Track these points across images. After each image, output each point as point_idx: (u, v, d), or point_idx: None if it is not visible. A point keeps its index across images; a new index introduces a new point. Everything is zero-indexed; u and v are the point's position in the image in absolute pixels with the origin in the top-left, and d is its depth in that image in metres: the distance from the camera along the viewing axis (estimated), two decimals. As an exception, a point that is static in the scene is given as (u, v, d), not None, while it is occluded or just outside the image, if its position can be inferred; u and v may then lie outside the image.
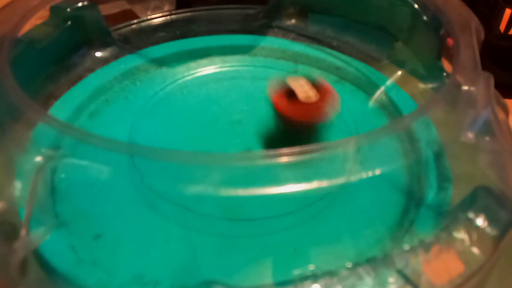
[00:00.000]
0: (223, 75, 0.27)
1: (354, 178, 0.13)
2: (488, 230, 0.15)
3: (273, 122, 0.22)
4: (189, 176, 0.14)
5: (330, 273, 0.14)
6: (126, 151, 0.15)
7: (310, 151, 0.13)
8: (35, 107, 0.15)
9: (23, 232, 0.14)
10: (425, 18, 0.24)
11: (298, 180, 0.13)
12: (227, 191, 0.13)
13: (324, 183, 0.13)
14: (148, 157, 0.14)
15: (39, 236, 0.15)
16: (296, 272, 0.15)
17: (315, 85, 0.20)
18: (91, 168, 0.17)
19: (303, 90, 0.20)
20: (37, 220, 0.15)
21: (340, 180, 0.13)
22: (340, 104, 0.25)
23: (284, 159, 0.13)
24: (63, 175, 0.19)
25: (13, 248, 0.14)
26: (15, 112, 0.16)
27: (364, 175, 0.13)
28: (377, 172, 0.13)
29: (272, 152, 0.13)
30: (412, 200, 0.19)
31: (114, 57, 0.27)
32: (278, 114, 0.20)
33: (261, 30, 0.29)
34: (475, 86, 0.17)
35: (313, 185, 0.13)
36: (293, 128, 0.21)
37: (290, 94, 0.20)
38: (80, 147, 0.15)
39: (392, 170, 0.18)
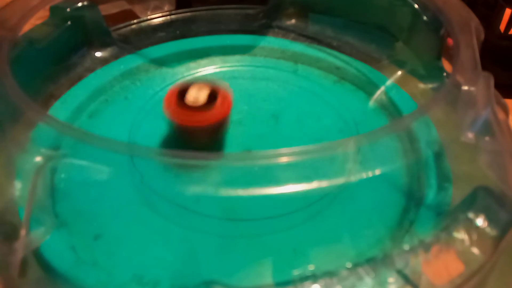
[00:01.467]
0: (223, 75, 0.27)
1: (354, 178, 0.13)
2: (488, 230, 0.15)
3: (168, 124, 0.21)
4: (189, 176, 0.14)
5: (330, 273, 0.14)
6: (126, 151, 0.15)
7: (310, 152, 0.13)
8: (35, 107, 0.15)
9: (23, 232, 0.14)
10: (425, 18, 0.24)
11: (298, 180, 0.13)
12: (226, 191, 0.13)
13: (324, 183, 0.13)
14: (148, 157, 0.14)
15: (39, 236, 0.15)
16: (296, 272, 0.15)
17: (214, 90, 0.20)
18: (91, 168, 0.17)
19: (193, 94, 0.19)
20: (37, 220, 0.15)
21: (340, 180, 0.13)
22: (340, 104, 0.25)
23: (284, 159, 0.13)
24: (63, 175, 0.19)
25: (13, 248, 0.14)
26: (15, 112, 0.16)
27: (364, 175, 0.13)
28: (377, 172, 0.13)
29: (272, 152, 0.13)
30: (412, 200, 0.19)
31: (114, 57, 0.27)
32: (167, 116, 0.19)
33: (261, 30, 0.29)
34: (475, 86, 0.17)
35: (313, 185, 0.13)
36: (180, 131, 0.20)
37: (182, 97, 0.19)
38: (80, 147, 0.15)
39: (392, 170, 0.18)
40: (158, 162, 0.14)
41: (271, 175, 0.13)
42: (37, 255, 0.16)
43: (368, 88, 0.26)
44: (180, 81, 0.20)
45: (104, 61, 0.27)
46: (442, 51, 0.23)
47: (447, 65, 0.23)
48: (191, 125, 0.19)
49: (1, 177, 0.16)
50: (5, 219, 0.15)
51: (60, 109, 0.23)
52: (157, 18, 0.30)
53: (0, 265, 0.14)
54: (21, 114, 0.16)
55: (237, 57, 0.28)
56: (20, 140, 0.16)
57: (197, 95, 0.19)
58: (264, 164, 0.13)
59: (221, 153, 0.14)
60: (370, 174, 0.13)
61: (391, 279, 0.14)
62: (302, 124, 0.23)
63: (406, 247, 0.14)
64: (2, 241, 0.14)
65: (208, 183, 0.13)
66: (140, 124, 0.23)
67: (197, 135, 0.20)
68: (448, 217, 0.16)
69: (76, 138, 0.14)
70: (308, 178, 0.13)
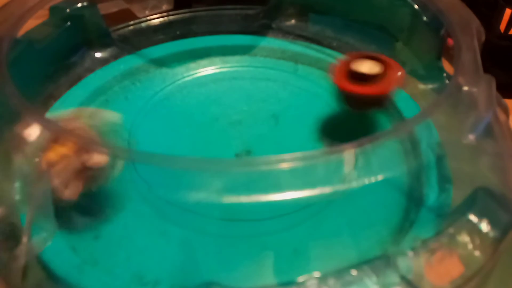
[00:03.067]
0: (223, 76, 0.27)
1: (356, 184, 0.13)
2: (489, 231, 0.15)
3: (339, 104, 0.22)
4: (191, 183, 0.14)
5: (331, 274, 0.14)
6: (125, 156, 0.15)
7: (312, 157, 0.13)
8: (33, 110, 0.15)
9: (24, 238, 0.14)
10: (425, 18, 0.24)
11: (300, 186, 0.13)
12: (229, 198, 0.13)
13: (326, 190, 0.13)
14: (148, 163, 0.14)
15: (40, 242, 0.15)
16: (296, 272, 0.15)
17: (377, 59, 0.21)
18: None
19: (366, 65, 0.20)
20: (38, 226, 0.15)
21: (342, 187, 0.13)
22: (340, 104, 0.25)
23: (286, 165, 0.13)
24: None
25: (15, 255, 0.14)
26: (13, 114, 0.16)
27: (366, 181, 0.13)
28: (380, 177, 0.13)
29: (273, 157, 0.13)
30: (412, 201, 0.19)
31: (114, 57, 0.27)
32: (344, 94, 0.21)
33: (261, 31, 0.29)
34: (477, 88, 0.17)
35: (315, 191, 0.13)
36: (360, 103, 0.21)
37: (352, 72, 0.20)
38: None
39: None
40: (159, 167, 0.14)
41: (272, 181, 0.13)
42: (38, 257, 0.16)
43: (368, 88, 0.26)
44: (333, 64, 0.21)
45: (104, 61, 0.27)
46: (442, 51, 0.23)
47: (447, 66, 0.23)
48: (363, 93, 0.20)
49: (1, 181, 0.16)
50: (6, 224, 0.15)
51: (60, 110, 0.23)
52: (156, 19, 0.30)
53: (2, 272, 0.14)
54: (19, 117, 0.15)
55: (237, 58, 0.28)
56: (19, 143, 0.16)
57: (368, 66, 0.20)
58: (265, 170, 0.13)
59: (222, 159, 0.14)
60: (372, 179, 0.13)
61: (392, 281, 0.14)
62: (302, 124, 0.23)
63: (407, 248, 0.14)
64: (3, 248, 0.14)
65: (210, 190, 0.13)
66: (140, 125, 0.23)
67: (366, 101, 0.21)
68: (448, 218, 0.16)
69: (72, 143, 0.14)
70: (309, 185, 0.13)
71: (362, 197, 0.19)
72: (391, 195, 0.19)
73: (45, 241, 0.15)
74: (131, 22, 0.29)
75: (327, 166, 0.13)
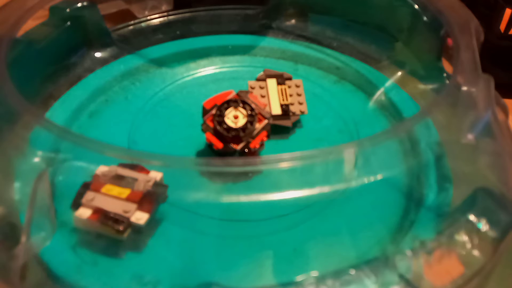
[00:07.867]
0: (222, 76, 0.27)
1: (355, 183, 0.13)
2: (488, 232, 0.15)
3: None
4: (191, 183, 0.14)
5: (331, 274, 0.14)
6: (124, 155, 0.15)
7: (311, 157, 0.13)
8: (33, 110, 0.15)
9: (23, 238, 0.14)
10: (425, 18, 0.24)
11: (299, 186, 0.13)
12: (228, 197, 0.13)
13: (325, 189, 0.13)
14: (146, 162, 0.14)
15: (39, 241, 0.15)
16: (296, 272, 0.15)
17: (250, 112, 0.20)
18: (90, 169, 0.17)
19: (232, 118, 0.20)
20: (38, 225, 0.15)
21: (341, 186, 0.13)
22: (340, 104, 0.25)
23: (285, 165, 0.13)
24: (63, 176, 0.19)
25: (14, 254, 0.14)
26: (13, 115, 0.16)
27: (365, 180, 0.13)
28: (379, 177, 0.13)
29: (272, 157, 0.13)
30: (412, 201, 0.19)
31: (114, 57, 0.27)
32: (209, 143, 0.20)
33: (261, 31, 0.29)
34: (475, 88, 0.17)
35: (315, 190, 0.13)
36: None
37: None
38: (79, 149, 0.15)
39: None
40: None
41: (272, 181, 0.13)
42: (38, 256, 0.16)
43: (368, 88, 0.26)
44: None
45: (103, 61, 0.27)
46: (442, 51, 0.23)
47: (447, 66, 0.23)
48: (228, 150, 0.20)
49: (0, 181, 0.16)
50: (5, 223, 0.15)
51: (60, 110, 0.23)
52: (156, 19, 0.30)
53: (1, 271, 0.14)
54: (19, 117, 0.15)
55: (237, 58, 0.28)
56: (18, 143, 0.16)
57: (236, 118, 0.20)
58: (265, 170, 0.13)
59: (222, 159, 0.14)
60: (372, 179, 0.13)
61: (392, 281, 0.14)
62: (302, 124, 0.23)
63: (407, 249, 0.14)
64: (3, 248, 0.14)
65: (210, 190, 0.13)
66: (140, 124, 0.23)
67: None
68: (448, 218, 0.16)
69: (73, 143, 0.14)
70: (309, 184, 0.13)
71: (361, 197, 0.18)
72: (390, 195, 0.19)
73: (44, 241, 0.15)
74: (131, 22, 0.29)
75: (326, 166, 0.13)
